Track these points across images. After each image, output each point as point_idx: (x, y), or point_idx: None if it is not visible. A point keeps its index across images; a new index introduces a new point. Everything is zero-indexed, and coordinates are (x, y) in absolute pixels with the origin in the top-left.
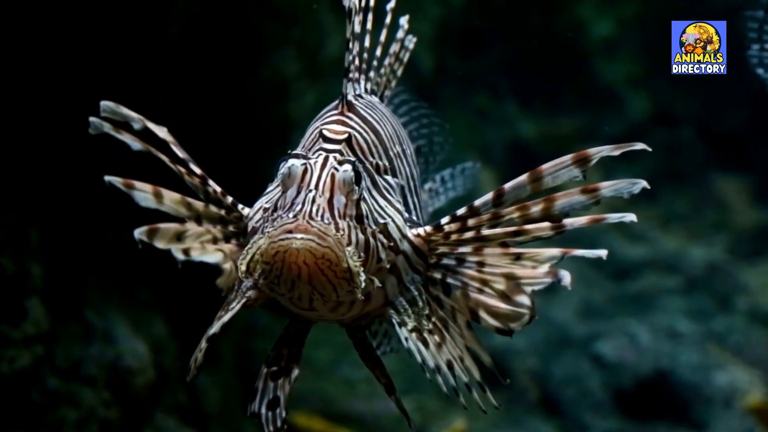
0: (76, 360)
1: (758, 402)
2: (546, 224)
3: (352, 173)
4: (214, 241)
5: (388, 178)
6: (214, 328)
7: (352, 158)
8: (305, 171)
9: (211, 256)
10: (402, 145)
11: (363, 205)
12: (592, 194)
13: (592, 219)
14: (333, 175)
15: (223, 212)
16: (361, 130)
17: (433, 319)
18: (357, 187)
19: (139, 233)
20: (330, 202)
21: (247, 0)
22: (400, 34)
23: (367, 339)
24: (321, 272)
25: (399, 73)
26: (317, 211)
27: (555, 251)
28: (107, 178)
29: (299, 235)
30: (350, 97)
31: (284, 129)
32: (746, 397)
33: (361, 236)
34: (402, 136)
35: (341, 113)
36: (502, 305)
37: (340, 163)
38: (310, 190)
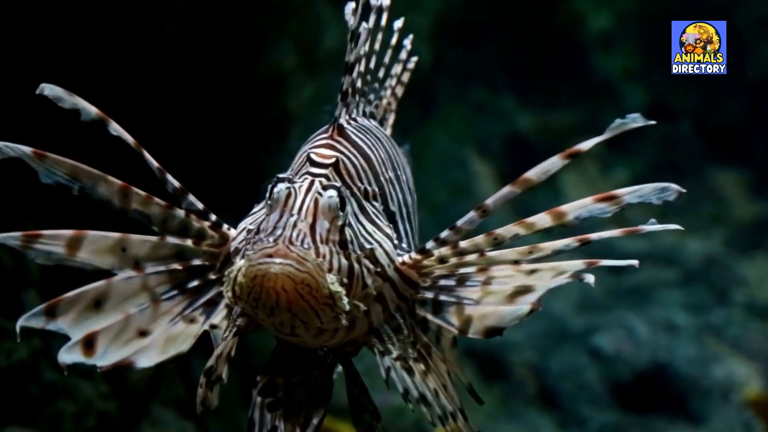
0: None
1: (755, 394)
2: (569, 240)
3: (337, 199)
4: (155, 300)
5: (377, 204)
6: (210, 362)
7: (338, 183)
8: (289, 195)
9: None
10: (396, 171)
11: (348, 231)
12: (611, 201)
13: (625, 231)
14: (317, 200)
15: (189, 242)
16: (350, 155)
17: (418, 346)
18: (341, 213)
19: (28, 321)
20: (312, 227)
21: None
22: (403, 55)
23: (353, 366)
24: (301, 298)
25: (400, 95)
26: (297, 236)
27: (578, 263)
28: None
29: (278, 260)
30: (342, 121)
31: (282, 122)
32: (743, 390)
33: (344, 261)
34: (398, 162)
35: (331, 137)
36: (502, 307)
37: (325, 188)
38: (292, 215)
